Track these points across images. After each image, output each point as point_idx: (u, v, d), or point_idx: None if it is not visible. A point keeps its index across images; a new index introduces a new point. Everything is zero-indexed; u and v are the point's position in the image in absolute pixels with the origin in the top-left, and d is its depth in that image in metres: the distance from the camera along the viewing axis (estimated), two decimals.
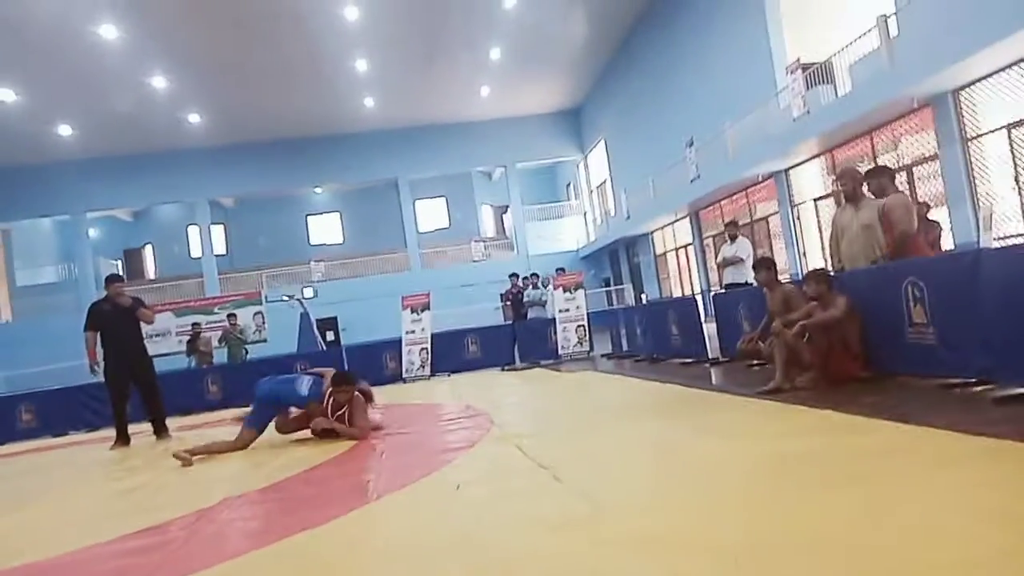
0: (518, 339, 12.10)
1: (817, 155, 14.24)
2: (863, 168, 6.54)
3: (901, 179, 12.16)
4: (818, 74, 13.07)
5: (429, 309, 12.30)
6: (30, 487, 5.45)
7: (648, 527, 2.24)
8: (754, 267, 5.93)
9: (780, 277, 6.20)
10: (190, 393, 11.41)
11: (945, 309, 4.14)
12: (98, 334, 7.24)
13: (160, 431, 7.43)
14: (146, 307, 7.64)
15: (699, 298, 8.92)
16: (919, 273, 4.38)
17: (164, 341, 18.95)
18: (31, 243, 29.83)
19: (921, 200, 10.63)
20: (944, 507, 2.12)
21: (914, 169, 11.88)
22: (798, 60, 13.23)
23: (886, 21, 10.88)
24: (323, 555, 2.50)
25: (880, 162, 12.61)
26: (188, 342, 13.84)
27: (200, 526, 3.14)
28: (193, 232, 29.90)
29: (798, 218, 15.32)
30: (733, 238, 9.50)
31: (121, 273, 7.19)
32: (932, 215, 9.72)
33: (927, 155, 11.54)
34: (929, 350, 4.26)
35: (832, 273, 5.41)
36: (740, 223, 12.37)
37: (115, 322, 7.25)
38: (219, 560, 2.58)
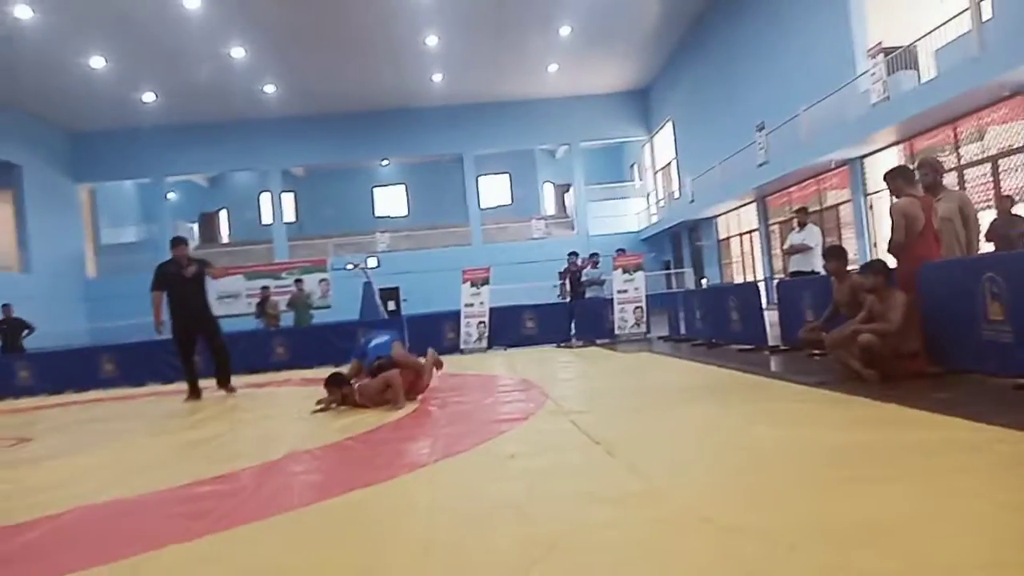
0: (575, 317, 12.12)
1: (895, 143, 13.67)
2: (942, 159, 6.34)
3: (985, 171, 11.60)
4: (901, 59, 12.50)
5: (488, 283, 12.43)
6: (109, 431, 5.79)
7: (701, 507, 2.25)
8: (824, 255, 5.78)
9: (849, 268, 6.04)
10: (258, 353, 11.86)
11: None
12: (164, 294, 7.47)
13: (225, 385, 7.72)
14: (210, 266, 7.90)
15: (761, 285, 8.73)
16: (999, 268, 4.21)
17: (235, 303, 19.70)
18: (115, 204, 31.35)
19: (1005, 194, 10.14)
20: (1012, 508, 2.07)
21: (1000, 161, 11.29)
22: (880, 43, 12.68)
23: (979, 4, 10.30)
24: (381, 511, 2.61)
25: (963, 153, 12.04)
26: (258, 304, 14.33)
27: (268, 477, 3.31)
28: (265, 199, 30.85)
29: (871, 208, 14.77)
30: (802, 225, 9.25)
31: (185, 236, 7.38)
32: (1017, 209, 9.26)
33: (1015, 146, 10.94)
34: (1005, 348, 4.09)
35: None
36: (809, 211, 12.01)
37: (180, 283, 7.45)
38: (286, 509, 2.73)
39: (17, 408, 9.46)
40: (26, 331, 13.04)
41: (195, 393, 7.47)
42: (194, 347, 7.62)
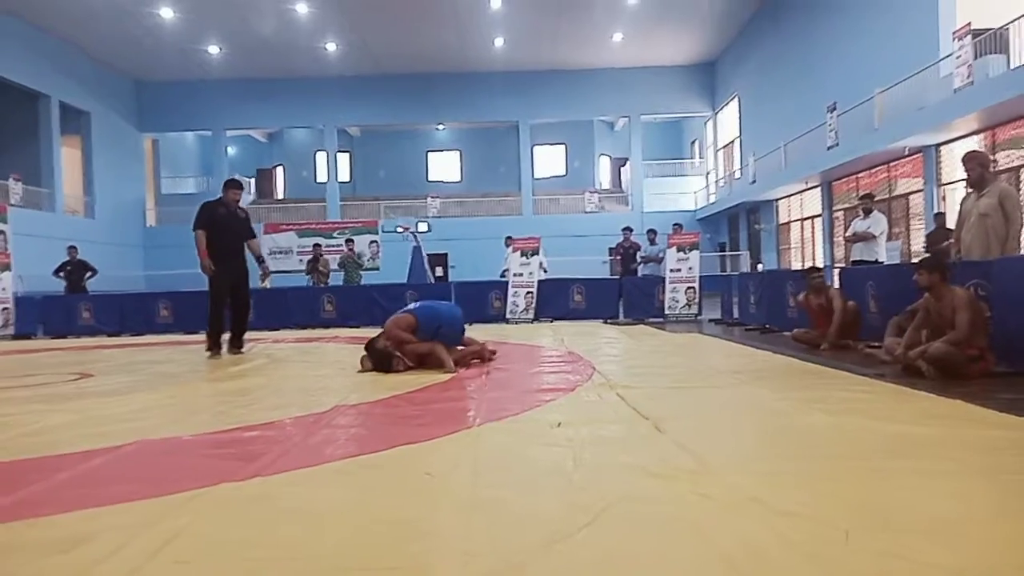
0: (624, 294, 12.00)
1: (976, 132, 13.02)
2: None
3: None
4: (990, 42, 11.83)
5: (538, 254, 12.37)
6: (165, 373, 5.96)
7: (753, 489, 2.19)
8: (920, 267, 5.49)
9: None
10: (307, 310, 12.11)
11: None
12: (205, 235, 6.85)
13: (238, 345, 7.26)
14: (254, 236, 7.42)
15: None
16: None
17: (286, 259, 20.06)
18: (176, 155, 32.15)
19: None
20: None
21: None
22: (969, 24, 12.01)
23: None
24: (426, 468, 2.61)
25: None
26: (309, 261, 14.55)
27: (315, 427, 3.36)
28: (320, 158, 31.21)
29: (943, 198, 14.16)
30: (867, 212, 8.92)
31: (242, 180, 6.84)
32: None
33: None
34: None
35: (952, 261, 5.07)
36: (876, 198, 11.57)
37: (227, 227, 6.93)
38: (333, 459, 2.77)
39: (79, 346, 9.87)
40: (89, 273, 13.53)
41: (219, 348, 7.01)
42: (227, 299, 7.06)
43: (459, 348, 5.73)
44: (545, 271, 13.28)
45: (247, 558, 1.77)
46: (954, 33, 12.43)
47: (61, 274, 13.40)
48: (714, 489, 2.21)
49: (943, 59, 13.12)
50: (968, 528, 1.88)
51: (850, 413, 3.41)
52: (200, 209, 6.99)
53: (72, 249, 13.62)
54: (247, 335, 7.56)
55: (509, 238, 14.28)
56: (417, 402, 4.08)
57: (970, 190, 5.70)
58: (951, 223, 7.93)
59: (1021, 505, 2.07)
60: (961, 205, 5.81)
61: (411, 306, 5.76)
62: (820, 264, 18.44)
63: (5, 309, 11.96)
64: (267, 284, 9.13)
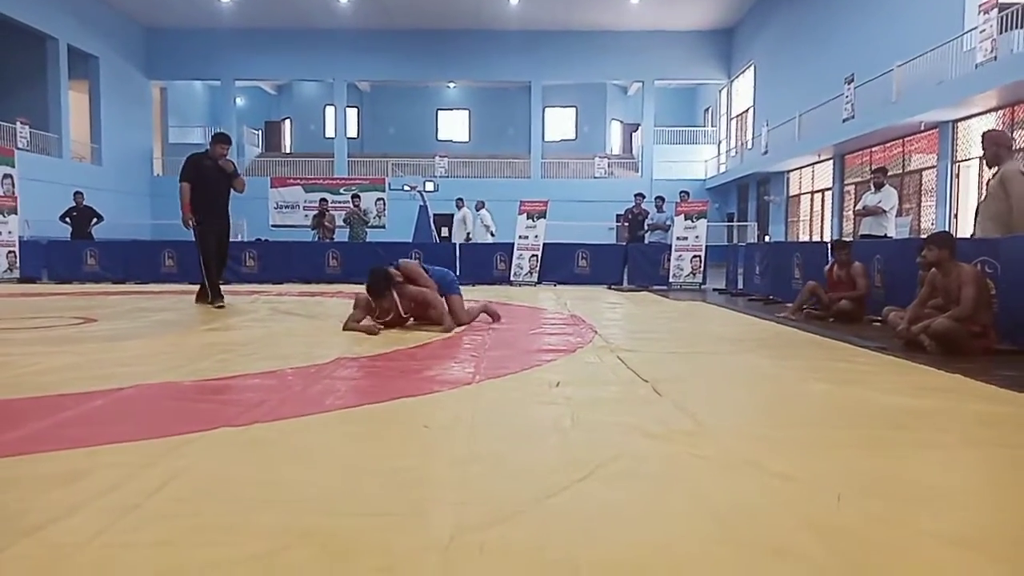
0: (629, 261, 11.96)
1: (994, 109, 12.80)
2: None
3: None
4: (1016, 16, 11.55)
5: (545, 217, 12.31)
6: (167, 321, 5.99)
7: (749, 452, 2.20)
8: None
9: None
10: (312, 264, 12.13)
11: None
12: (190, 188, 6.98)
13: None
14: (239, 176, 7.37)
15: (829, 246, 8.41)
16: None
17: (292, 214, 19.98)
18: (184, 104, 31.82)
19: None
20: None
21: None
22: None
23: None
24: (425, 420, 2.63)
25: None
26: (315, 216, 14.49)
27: (316, 378, 3.37)
28: (329, 112, 30.86)
29: (957, 175, 13.98)
30: (879, 186, 8.82)
31: (230, 136, 6.79)
32: None
33: None
34: None
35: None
36: (889, 172, 11.43)
37: (213, 181, 7.06)
38: (332, 408, 2.79)
39: (83, 291, 9.91)
40: (95, 220, 13.53)
41: (222, 297, 7.19)
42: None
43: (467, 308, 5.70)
44: (492, 234, 13.33)
45: (245, 498, 1.79)
46: (980, 6, 12.14)
47: (67, 219, 13.41)
48: (710, 450, 2.22)
49: (966, 32, 12.83)
50: (961, 498, 1.89)
51: (850, 383, 3.42)
52: (186, 161, 7.15)
53: (78, 195, 13.59)
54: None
55: (460, 200, 14.26)
56: (419, 357, 4.10)
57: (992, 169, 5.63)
58: None
59: (1016, 478, 2.08)
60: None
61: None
62: (827, 238, 18.32)
63: (11, 252, 12.01)
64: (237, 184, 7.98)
